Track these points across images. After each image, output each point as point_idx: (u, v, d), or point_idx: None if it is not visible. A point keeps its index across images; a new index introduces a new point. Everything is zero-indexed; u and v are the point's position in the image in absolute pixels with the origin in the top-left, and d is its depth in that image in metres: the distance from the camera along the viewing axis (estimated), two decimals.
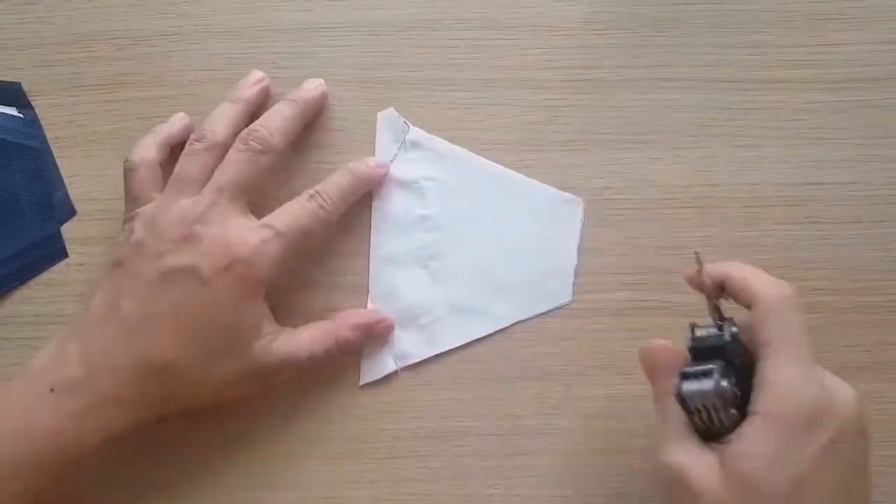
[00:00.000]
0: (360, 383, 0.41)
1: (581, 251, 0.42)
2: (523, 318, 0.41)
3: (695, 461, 0.30)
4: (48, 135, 0.43)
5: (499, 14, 0.44)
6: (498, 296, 0.41)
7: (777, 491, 0.29)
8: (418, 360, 0.41)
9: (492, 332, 0.41)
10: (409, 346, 0.41)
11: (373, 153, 0.42)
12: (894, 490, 0.41)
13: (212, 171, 0.38)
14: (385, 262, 0.42)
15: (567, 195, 0.42)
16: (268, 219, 0.37)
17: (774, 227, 0.42)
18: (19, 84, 0.43)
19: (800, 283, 0.42)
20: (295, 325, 0.39)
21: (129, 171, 0.39)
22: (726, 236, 0.42)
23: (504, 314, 0.41)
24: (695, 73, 0.43)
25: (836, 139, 0.43)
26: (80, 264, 0.42)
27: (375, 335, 0.40)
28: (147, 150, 0.39)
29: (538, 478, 0.40)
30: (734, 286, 0.33)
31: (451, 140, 0.42)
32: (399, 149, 0.42)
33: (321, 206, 0.38)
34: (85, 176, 0.43)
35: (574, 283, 0.41)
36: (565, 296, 0.41)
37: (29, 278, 0.42)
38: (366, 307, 0.41)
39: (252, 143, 0.38)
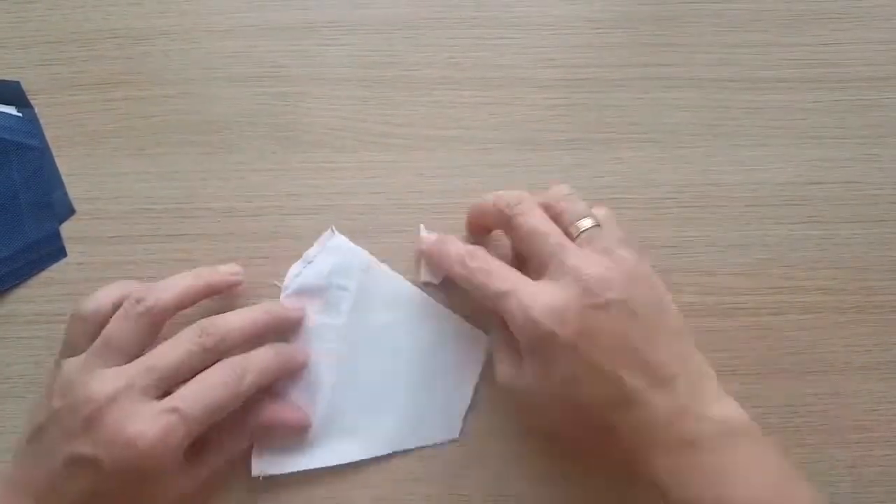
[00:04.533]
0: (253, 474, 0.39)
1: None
2: (407, 447, 0.40)
3: (511, 373, 0.36)
4: (48, 134, 0.43)
5: (499, 13, 0.44)
6: (389, 419, 0.40)
7: (555, 393, 0.34)
8: (281, 472, 0.39)
9: (369, 457, 0.40)
10: (277, 454, 0.39)
11: (369, 159, 0.42)
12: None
13: (143, 342, 0.35)
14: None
15: (474, 330, 0.41)
16: (175, 398, 0.34)
17: (776, 226, 0.42)
18: (19, 83, 0.43)
19: (801, 283, 0.42)
20: None
21: (75, 319, 0.37)
22: (728, 235, 0.42)
23: (389, 441, 0.40)
24: (696, 73, 0.43)
25: (837, 139, 0.43)
26: (80, 263, 0.42)
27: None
28: (102, 304, 0.36)
29: (538, 477, 0.40)
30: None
31: (452, 139, 0.42)
32: (319, 252, 0.41)
33: (240, 379, 0.35)
34: (84, 175, 0.43)
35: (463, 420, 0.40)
36: (453, 432, 0.40)
37: (28, 277, 0.42)
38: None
39: (206, 339, 0.35)
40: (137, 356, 0.35)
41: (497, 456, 0.41)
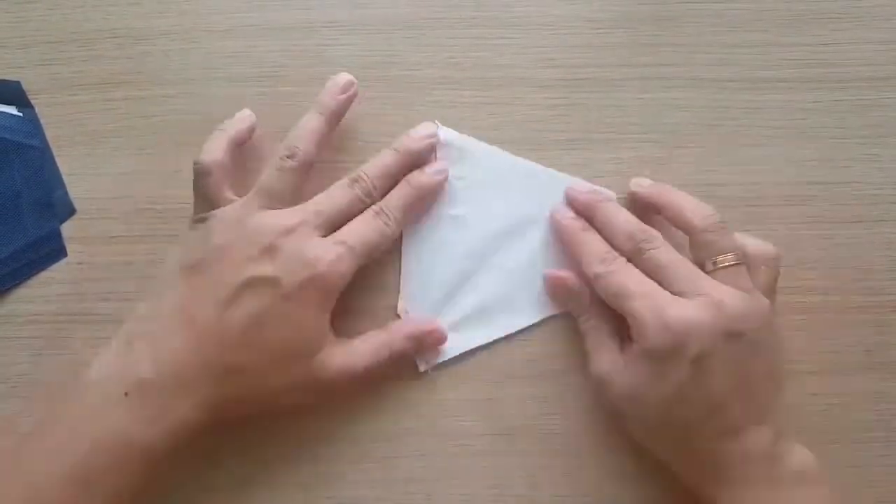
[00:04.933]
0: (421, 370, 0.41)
1: None
2: (549, 315, 0.41)
3: (612, 370, 0.38)
4: (48, 133, 0.43)
5: (499, 13, 0.44)
6: (524, 294, 0.41)
7: (660, 404, 0.35)
8: (445, 358, 0.41)
9: (517, 330, 0.41)
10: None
11: (372, 152, 0.42)
12: None
13: (299, 188, 0.39)
14: (415, 261, 0.41)
15: (601, 189, 0.42)
16: (339, 235, 0.38)
17: (776, 226, 0.42)
18: (19, 83, 0.43)
19: (801, 283, 0.42)
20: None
21: (201, 173, 0.39)
22: None
23: (530, 312, 0.41)
24: (696, 73, 0.43)
25: (837, 138, 0.43)
26: (80, 263, 0.42)
27: (428, 345, 0.41)
28: (217, 151, 0.39)
29: (538, 478, 0.40)
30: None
31: None
32: None
33: (386, 224, 0.39)
34: (85, 174, 0.43)
35: None
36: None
37: (28, 277, 0.42)
38: (396, 307, 0.41)
39: (360, 191, 0.39)
40: (293, 204, 0.38)
41: (498, 456, 0.41)
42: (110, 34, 0.44)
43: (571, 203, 0.41)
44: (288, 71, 0.43)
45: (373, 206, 0.39)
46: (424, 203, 0.41)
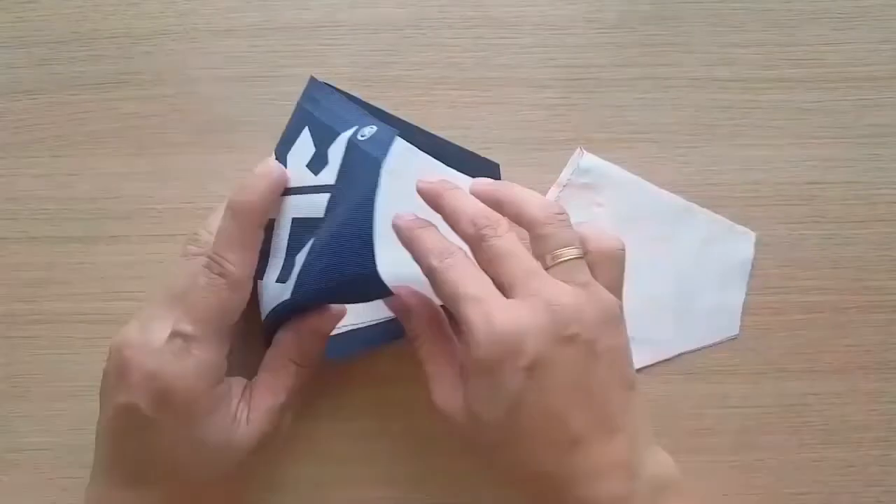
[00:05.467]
0: None
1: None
2: (692, 348, 0.41)
3: (450, 402, 0.34)
4: (48, 133, 0.43)
5: (499, 13, 0.44)
6: (667, 327, 0.41)
7: (497, 423, 0.32)
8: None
9: (657, 361, 0.41)
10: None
11: None
12: None
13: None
14: None
15: (740, 228, 0.42)
16: (175, 321, 0.33)
17: (776, 226, 0.42)
18: (498, 165, 0.41)
19: (801, 283, 0.42)
20: None
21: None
22: None
23: (673, 345, 0.41)
24: (696, 72, 0.43)
25: (837, 138, 0.43)
26: (80, 263, 0.42)
27: (328, 329, 0.36)
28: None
29: None
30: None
31: (452, 140, 0.42)
32: (572, 174, 0.42)
33: (222, 274, 0.33)
34: (85, 175, 0.43)
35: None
36: (732, 329, 0.41)
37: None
38: None
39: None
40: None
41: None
42: (110, 34, 0.44)
43: (420, 194, 0.35)
44: (288, 71, 0.43)
45: (198, 257, 0.34)
46: (256, 223, 0.35)
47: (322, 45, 0.44)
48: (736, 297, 0.42)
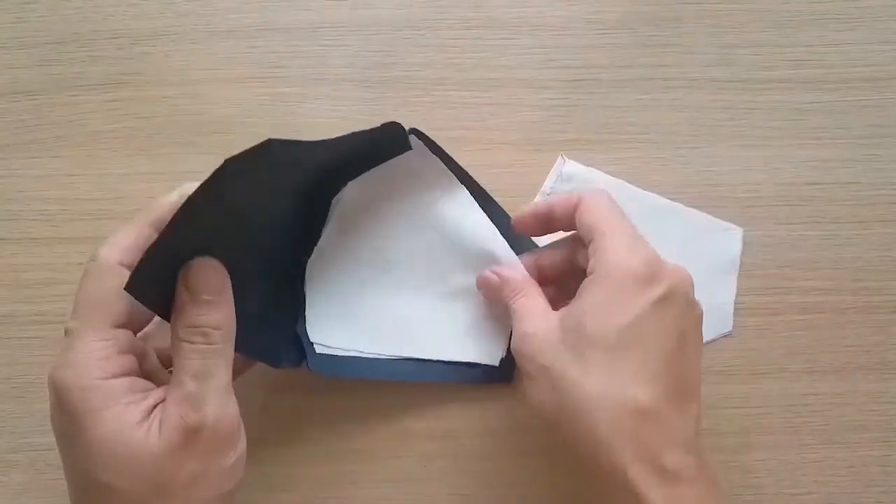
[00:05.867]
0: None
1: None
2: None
3: (540, 324, 0.34)
4: (48, 133, 0.43)
5: (499, 13, 0.44)
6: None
7: (603, 334, 0.32)
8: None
9: None
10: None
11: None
12: None
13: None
14: None
15: (726, 224, 0.42)
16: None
17: (776, 226, 0.42)
18: None
19: (800, 283, 0.42)
20: None
21: None
22: None
23: None
24: (696, 73, 0.43)
25: (837, 139, 0.43)
26: (80, 263, 0.42)
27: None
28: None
29: (538, 477, 0.40)
30: (559, 208, 0.36)
31: (453, 140, 0.42)
32: (555, 181, 0.42)
33: (93, 258, 0.32)
34: (85, 175, 0.43)
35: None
36: (726, 326, 0.41)
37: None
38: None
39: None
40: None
41: (496, 457, 0.41)
42: (110, 34, 0.44)
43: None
44: (288, 71, 0.43)
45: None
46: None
47: (322, 46, 0.44)
48: (727, 294, 0.42)
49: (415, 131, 0.37)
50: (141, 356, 0.32)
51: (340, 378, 0.40)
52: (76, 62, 0.43)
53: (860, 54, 0.43)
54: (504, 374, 0.40)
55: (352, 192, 0.39)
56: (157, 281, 0.30)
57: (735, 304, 0.42)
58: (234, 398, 0.31)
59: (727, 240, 0.42)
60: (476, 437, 0.41)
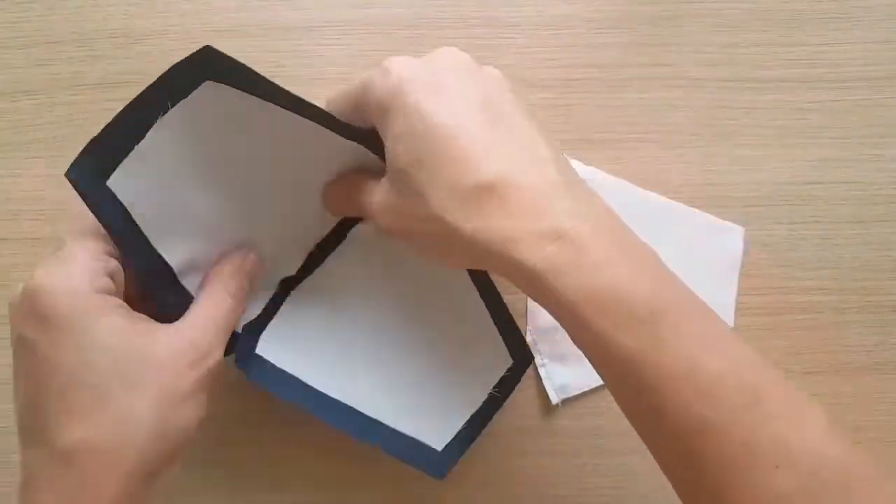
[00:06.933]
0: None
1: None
2: None
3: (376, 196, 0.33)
4: (47, 133, 0.43)
5: (498, 13, 0.44)
6: None
7: (411, 157, 0.30)
8: (578, 392, 0.41)
9: None
10: (568, 378, 0.41)
11: None
12: None
13: None
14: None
15: (727, 223, 0.42)
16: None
17: (776, 226, 0.42)
18: None
19: (801, 283, 0.42)
20: None
21: None
22: None
23: None
24: (696, 72, 0.43)
25: (837, 138, 0.43)
26: None
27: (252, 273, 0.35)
28: None
29: (538, 477, 0.40)
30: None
31: None
32: None
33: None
34: None
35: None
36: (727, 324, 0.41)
37: None
38: (524, 338, 0.40)
39: None
40: None
41: (496, 457, 0.41)
42: (110, 34, 0.44)
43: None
44: (288, 71, 0.43)
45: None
46: None
47: (322, 45, 0.44)
48: (728, 292, 0.42)
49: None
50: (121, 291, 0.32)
51: (268, 392, 0.36)
52: (76, 61, 0.43)
53: (860, 54, 0.43)
54: (440, 465, 0.37)
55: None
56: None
57: (735, 303, 0.42)
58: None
59: (728, 239, 0.42)
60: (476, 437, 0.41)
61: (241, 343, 0.36)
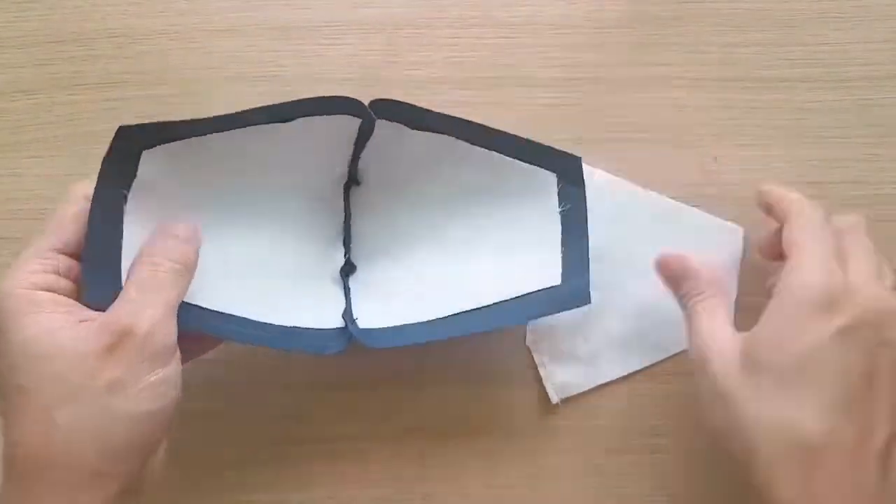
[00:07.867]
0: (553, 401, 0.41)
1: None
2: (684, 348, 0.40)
3: (725, 347, 0.32)
4: (47, 133, 0.43)
5: (499, 12, 0.44)
6: (659, 328, 0.40)
7: (777, 362, 0.30)
8: (578, 391, 0.41)
9: (651, 364, 0.41)
10: (568, 377, 0.41)
11: None
12: None
13: None
14: None
15: (728, 224, 0.42)
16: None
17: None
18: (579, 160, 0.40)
19: None
20: None
21: None
22: None
23: (665, 346, 0.41)
24: (697, 72, 0.43)
25: (837, 138, 0.43)
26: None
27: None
28: None
29: (539, 477, 0.40)
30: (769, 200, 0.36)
31: None
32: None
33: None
34: (84, 175, 0.42)
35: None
36: None
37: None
38: (525, 340, 0.41)
39: None
40: None
41: (497, 456, 0.41)
42: (109, 34, 0.44)
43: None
44: (288, 71, 0.43)
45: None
46: None
47: (322, 45, 0.43)
48: (729, 294, 0.41)
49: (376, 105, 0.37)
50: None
51: (393, 347, 0.37)
52: (75, 61, 0.43)
53: (860, 53, 0.43)
54: (578, 291, 0.37)
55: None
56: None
57: (735, 303, 0.42)
58: (175, 324, 0.31)
59: (728, 239, 0.42)
60: (476, 437, 0.41)
61: (353, 331, 0.37)
